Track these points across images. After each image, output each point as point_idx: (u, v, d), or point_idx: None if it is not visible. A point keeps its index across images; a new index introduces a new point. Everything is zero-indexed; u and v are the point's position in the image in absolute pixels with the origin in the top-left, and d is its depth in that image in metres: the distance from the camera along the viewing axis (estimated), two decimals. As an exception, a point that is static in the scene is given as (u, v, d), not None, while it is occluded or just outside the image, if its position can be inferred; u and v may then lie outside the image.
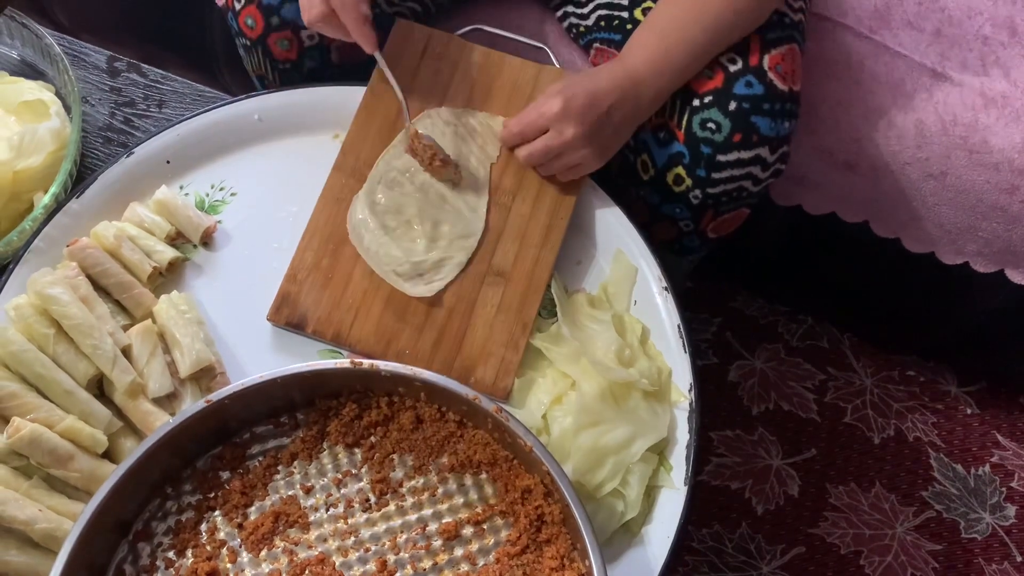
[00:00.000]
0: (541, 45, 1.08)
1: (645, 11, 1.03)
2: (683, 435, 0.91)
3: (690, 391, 0.92)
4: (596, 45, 1.10)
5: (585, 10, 1.10)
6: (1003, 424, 1.49)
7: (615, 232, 1.00)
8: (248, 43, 1.05)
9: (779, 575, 1.36)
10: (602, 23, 1.08)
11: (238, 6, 1.03)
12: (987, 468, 1.46)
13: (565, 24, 1.14)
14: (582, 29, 1.11)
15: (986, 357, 1.46)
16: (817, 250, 1.37)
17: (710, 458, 1.43)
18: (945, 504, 1.43)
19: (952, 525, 1.42)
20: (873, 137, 1.13)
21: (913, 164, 1.13)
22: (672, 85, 0.95)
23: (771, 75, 0.94)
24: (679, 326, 0.95)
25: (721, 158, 0.96)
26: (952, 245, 1.20)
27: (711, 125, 0.95)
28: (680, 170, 0.99)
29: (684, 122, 0.97)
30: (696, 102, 0.96)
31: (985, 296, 1.28)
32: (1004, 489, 1.45)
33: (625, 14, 1.05)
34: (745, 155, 0.96)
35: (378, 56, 0.97)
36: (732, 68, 0.94)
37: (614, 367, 0.91)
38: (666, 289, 0.97)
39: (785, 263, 1.44)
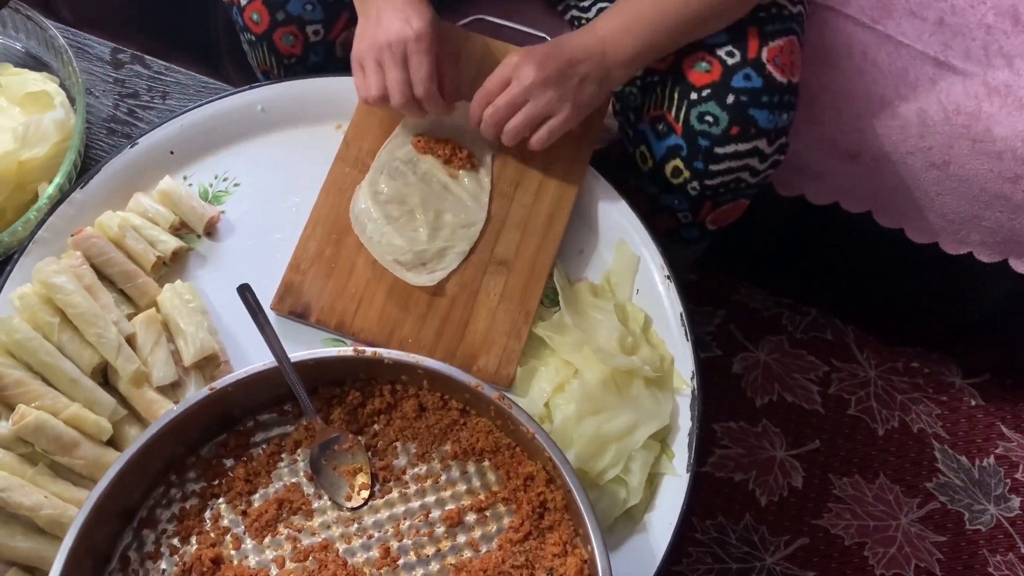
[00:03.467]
0: (543, 35, 1.08)
1: None
2: (685, 422, 0.91)
3: (692, 379, 0.92)
4: None
5: (586, 3, 1.10)
6: (1007, 416, 1.49)
7: (618, 221, 1.01)
8: (253, 38, 1.06)
9: (783, 566, 1.36)
10: None
11: (244, 2, 1.04)
12: (991, 459, 1.46)
13: (567, 17, 1.14)
14: (584, 22, 1.11)
15: (990, 348, 1.45)
16: (820, 241, 1.37)
17: (714, 449, 1.43)
18: (949, 495, 1.43)
19: (956, 516, 1.42)
20: (876, 127, 1.13)
21: (916, 154, 1.12)
22: (643, 52, 0.93)
23: (770, 67, 0.94)
24: (681, 314, 0.95)
25: (719, 150, 0.96)
26: (955, 235, 1.20)
27: (708, 118, 0.95)
28: (678, 162, 0.99)
29: (682, 115, 0.97)
30: (694, 95, 0.95)
31: (989, 286, 1.28)
32: (1008, 480, 1.44)
33: None
34: (743, 147, 0.96)
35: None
36: (730, 61, 0.94)
37: (616, 355, 0.91)
38: (668, 278, 0.97)
39: (788, 254, 1.44)
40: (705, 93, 0.95)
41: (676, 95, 0.97)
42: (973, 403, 1.50)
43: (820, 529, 1.39)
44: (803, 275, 1.48)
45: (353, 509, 0.82)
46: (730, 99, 0.94)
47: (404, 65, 0.91)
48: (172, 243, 0.98)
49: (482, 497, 0.82)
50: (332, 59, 1.08)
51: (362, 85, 0.93)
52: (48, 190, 1.01)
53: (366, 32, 0.92)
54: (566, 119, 0.93)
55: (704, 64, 0.95)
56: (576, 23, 1.13)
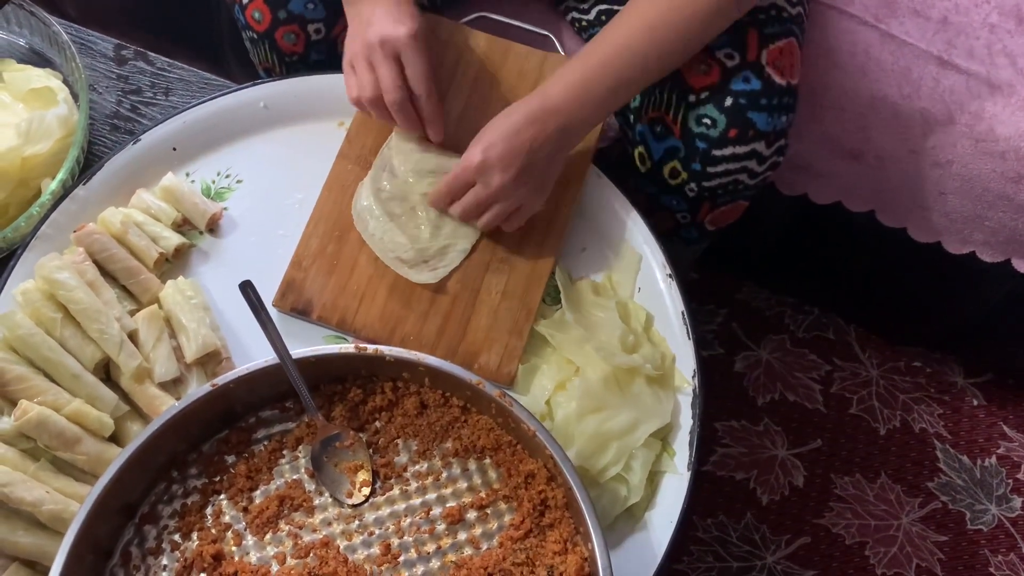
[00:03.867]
0: (546, 33, 1.08)
1: None
2: (686, 421, 0.91)
3: (693, 377, 0.92)
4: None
5: (586, 4, 1.10)
6: (1010, 416, 1.49)
7: (620, 220, 1.00)
8: (255, 36, 1.06)
9: (784, 565, 1.36)
10: (603, 18, 1.08)
11: (245, 0, 1.04)
12: (993, 459, 1.46)
13: (568, 18, 1.14)
14: (584, 23, 1.11)
15: (993, 348, 1.45)
16: (823, 240, 1.36)
17: (715, 448, 1.43)
18: (951, 495, 1.43)
19: (958, 516, 1.41)
20: (879, 126, 1.12)
21: (919, 153, 1.12)
22: (596, 114, 0.92)
23: (769, 70, 0.94)
24: (683, 313, 0.95)
25: (716, 153, 0.96)
26: (958, 235, 1.20)
27: (707, 120, 0.95)
28: (676, 164, 0.99)
29: (680, 117, 0.96)
30: (692, 98, 0.95)
31: (992, 286, 1.28)
32: (1010, 480, 1.44)
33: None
34: (741, 150, 0.96)
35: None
36: (729, 64, 0.94)
37: (618, 353, 0.91)
38: (670, 276, 0.97)
39: (791, 253, 1.44)
40: (704, 96, 0.95)
41: (674, 97, 0.97)
42: (975, 403, 1.49)
43: (821, 528, 1.39)
44: (805, 274, 1.48)
45: (354, 506, 0.83)
46: (728, 102, 0.94)
47: (396, 63, 0.90)
48: (174, 239, 0.98)
49: (483, 495, 0.82)
50: (334, 57, 1.08)
51: (354, 85, 0.93)
52: (51, 186, 1.01)
53: (357, 34, 0.92)
54: (539, 203, 0.94)
55: (703, 66, 0.95)
56: (576, 24, 1.13)
